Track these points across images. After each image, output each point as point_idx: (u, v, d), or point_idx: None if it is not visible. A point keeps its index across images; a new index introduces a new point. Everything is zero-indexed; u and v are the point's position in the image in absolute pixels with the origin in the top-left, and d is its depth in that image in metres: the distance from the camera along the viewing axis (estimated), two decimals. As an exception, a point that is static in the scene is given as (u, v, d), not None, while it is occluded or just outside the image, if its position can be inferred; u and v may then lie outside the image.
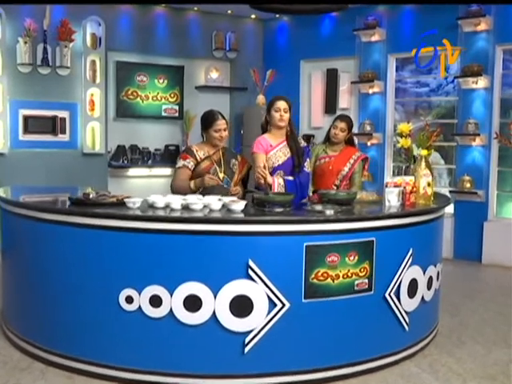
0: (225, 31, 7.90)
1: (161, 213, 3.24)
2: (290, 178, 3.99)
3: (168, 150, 7.71)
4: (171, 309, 3.10)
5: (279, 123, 3.98)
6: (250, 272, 3.08)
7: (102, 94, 7.03)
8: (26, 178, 6.35)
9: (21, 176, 6.40)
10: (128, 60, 7.40)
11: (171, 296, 3.09)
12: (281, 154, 3.99)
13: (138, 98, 7.46)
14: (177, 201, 3.33)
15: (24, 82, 6.60)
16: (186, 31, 7.68)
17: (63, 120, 6.82)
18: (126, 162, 7.41)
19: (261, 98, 7.69)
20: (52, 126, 6.76)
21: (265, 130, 4.07)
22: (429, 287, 3.78)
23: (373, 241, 3.35)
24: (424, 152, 3.90)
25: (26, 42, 6.47)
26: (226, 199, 3.40)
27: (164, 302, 3.11)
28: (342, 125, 4.49)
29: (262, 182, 3.79)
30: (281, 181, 3.93)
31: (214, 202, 3.33)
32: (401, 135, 6.87)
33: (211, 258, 3.10)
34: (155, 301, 3.11)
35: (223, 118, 3.89)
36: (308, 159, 4.10)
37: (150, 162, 7.59)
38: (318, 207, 3.45)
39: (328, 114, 7.60)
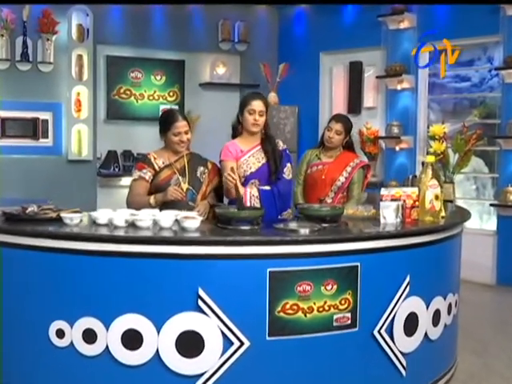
0: (233, 20, 7.79)
1: (103, 230, 3.08)
2: (267, 187, 3.75)
3: (166, 156, 7.60)
4: (107, 345, 2.95)
5: (252, 128, 3.76)
6: (200, 303, 2.89)
7: (89, 93, 7.00)
8: (3, 189, 6.30)
9: (-3, 186, 6.38)
10: (120, 54, 7.36)
11: (107, 330, 2.94)
12: (254, 160, 3.76)
13: (132, 97, 7.41)
14: (121, 216, 3.15)
15: (1, 80, 6.60)
16: (187, 21, 7.59)
17: (45, 122, 6.82)
18: (117, 169, 7.34)
19: (272, 97, 7.51)
20: (33, 129, 6.76)
21: (236, 132, 3.85)
22: (435, 323, 3.50)
23: (357, 266, 3.11)
24: (430, 158, 3.61)
25: (2, 35, 6.51)
26: (181, 215, 3.21)
27: (99, 338, 2.95)
28: (338, 126, 4.23)
29: (233, 191, 3.57)
30: (255, 191, 3.70)
31: (165, 217, 3.14)
32: (433, 138, 6.64)
33: (154, 286, 2.92)
34: (89, 336, 2.96)
35: (185, 118, 3.70)
36: (288, 164, 3.84)
37: (145, 169, 7.47)
38: (293, 225, 3.24)
39: (352, 113, 7.29)
